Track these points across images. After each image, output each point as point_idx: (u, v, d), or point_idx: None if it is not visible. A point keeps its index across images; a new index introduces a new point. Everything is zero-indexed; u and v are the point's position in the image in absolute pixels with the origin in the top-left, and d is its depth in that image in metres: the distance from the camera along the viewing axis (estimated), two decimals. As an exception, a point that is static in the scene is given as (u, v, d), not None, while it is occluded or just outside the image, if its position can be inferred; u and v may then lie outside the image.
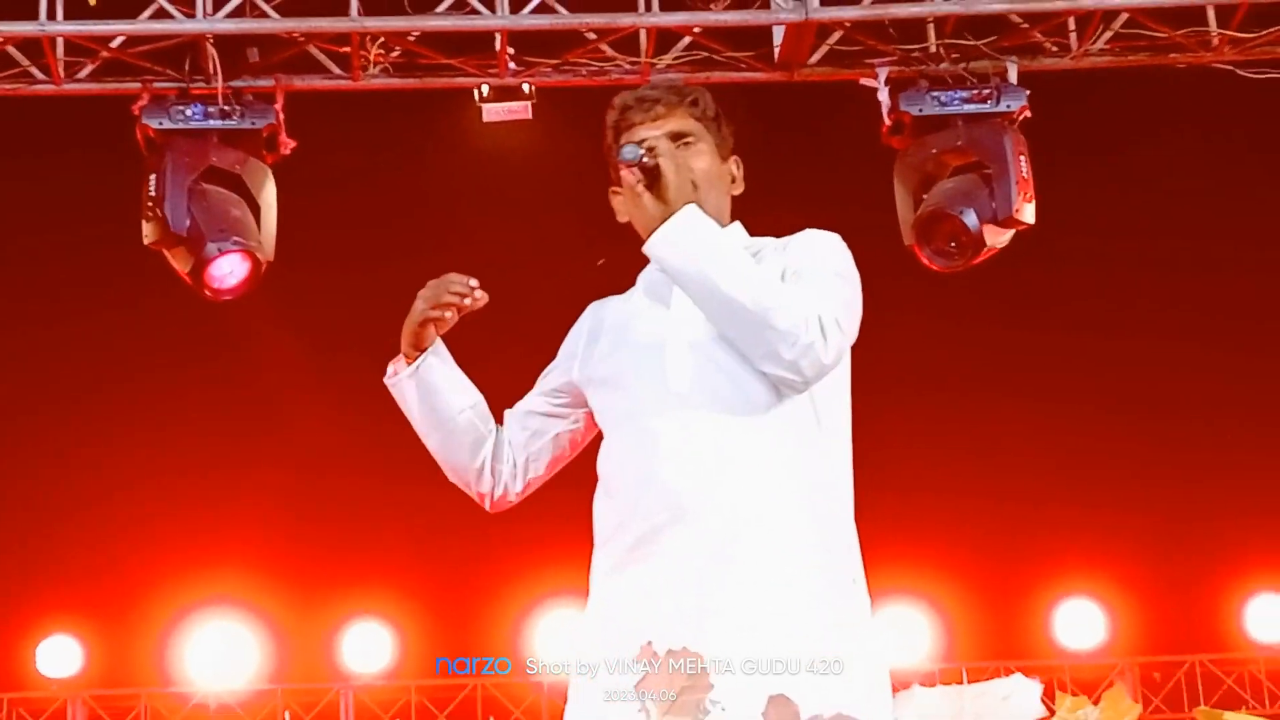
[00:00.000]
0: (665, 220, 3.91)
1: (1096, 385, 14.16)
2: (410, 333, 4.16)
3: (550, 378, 4.40)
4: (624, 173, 4.04)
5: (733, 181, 4.28)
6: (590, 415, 4.31)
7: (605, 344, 4.24)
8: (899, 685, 3.59)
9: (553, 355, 4.46)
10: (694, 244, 3.91)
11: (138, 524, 14.41)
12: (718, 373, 4.01)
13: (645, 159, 3.93)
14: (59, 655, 16.26)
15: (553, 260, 10.98)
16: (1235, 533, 15.03)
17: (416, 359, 4.19)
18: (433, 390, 4.20)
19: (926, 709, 2.41)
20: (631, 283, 4.36)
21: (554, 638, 15.57)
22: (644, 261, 4.21)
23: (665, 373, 4.07)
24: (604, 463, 4.19)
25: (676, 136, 4.12)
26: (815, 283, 3.99)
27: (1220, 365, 13.91)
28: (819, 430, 4.09)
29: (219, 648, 16.18)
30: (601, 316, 4.33)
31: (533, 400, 4.40)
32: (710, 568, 3.89)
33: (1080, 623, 16.47)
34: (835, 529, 4.07)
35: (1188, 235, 13.28)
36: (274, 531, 14.64)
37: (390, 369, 4.26)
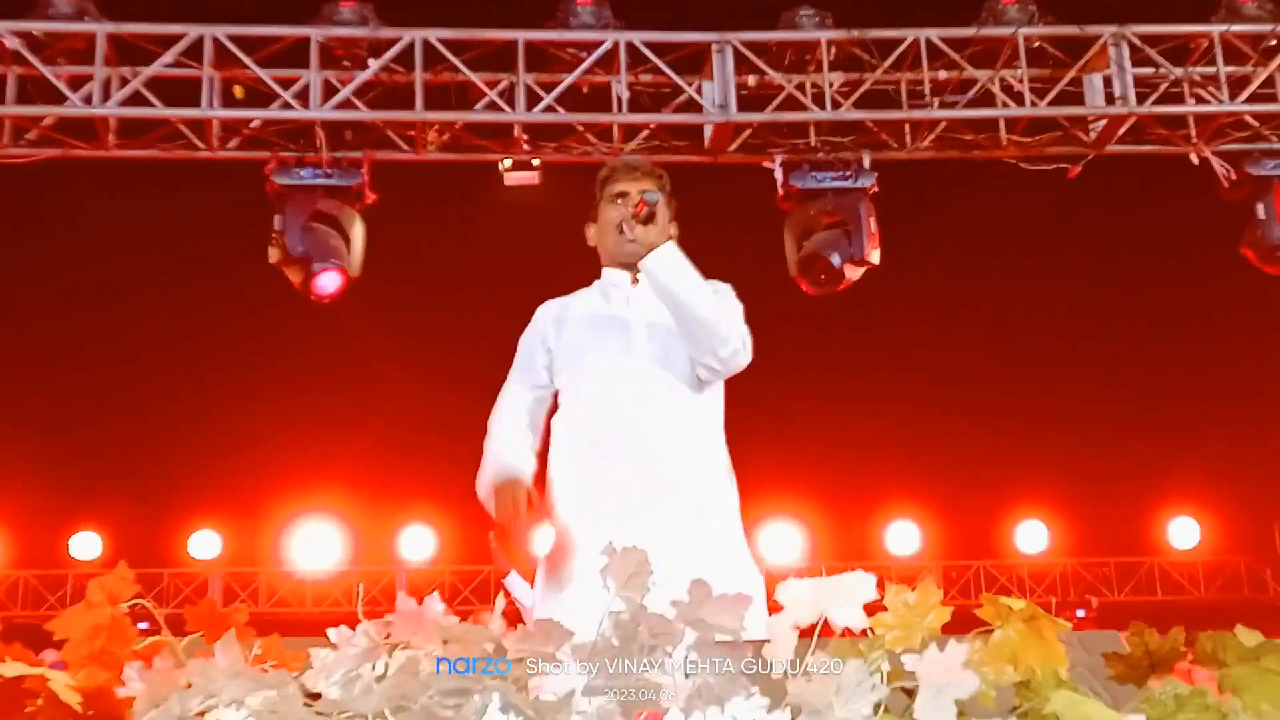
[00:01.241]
0: (653, 249, 3.95)
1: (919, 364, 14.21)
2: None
3: (532, 373, 4.30)
4: (620, 208, 4.10)
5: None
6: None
7: (575, 325, 4.23)
8: (779, 578, 3.63)
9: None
10: (678, 267, 3.96)
11: (263, 454, 14.43)
12: (657, 356, 4.07)
13: (650, 202, 3.98)
14: (203, 543, 16.26)
15: (552, 276, 11.00)
16: (1009, 468, 15.15)
17: None
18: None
19: (797, 593, 2.41)
20: (571, 289, 4.37)
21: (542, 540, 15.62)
22: (595, 273, 4.30)
23: (625, 349, 4.11)
24: (571, 405, 4.18)
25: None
26: (735, 313, 4.05)
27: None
28: (715, 401, 4.15)
29: (314, 539, 16.19)
30: (564, 309, 4.31)
31: (527, 400, 4.29)
32: (647, 488, 3.93)
33: (905, 536, 16.58)
34: (724, 464, 4.14)
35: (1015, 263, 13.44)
36: (354, 461, 14.65)
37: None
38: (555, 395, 4.29)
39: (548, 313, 4.34)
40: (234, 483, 15.23)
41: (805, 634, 2.08)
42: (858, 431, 14.24)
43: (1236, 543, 17.01)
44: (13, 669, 2.94)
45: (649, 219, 4.01)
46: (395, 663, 2.54)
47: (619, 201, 4.21)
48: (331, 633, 2.68)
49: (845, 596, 2.31)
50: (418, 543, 16.45)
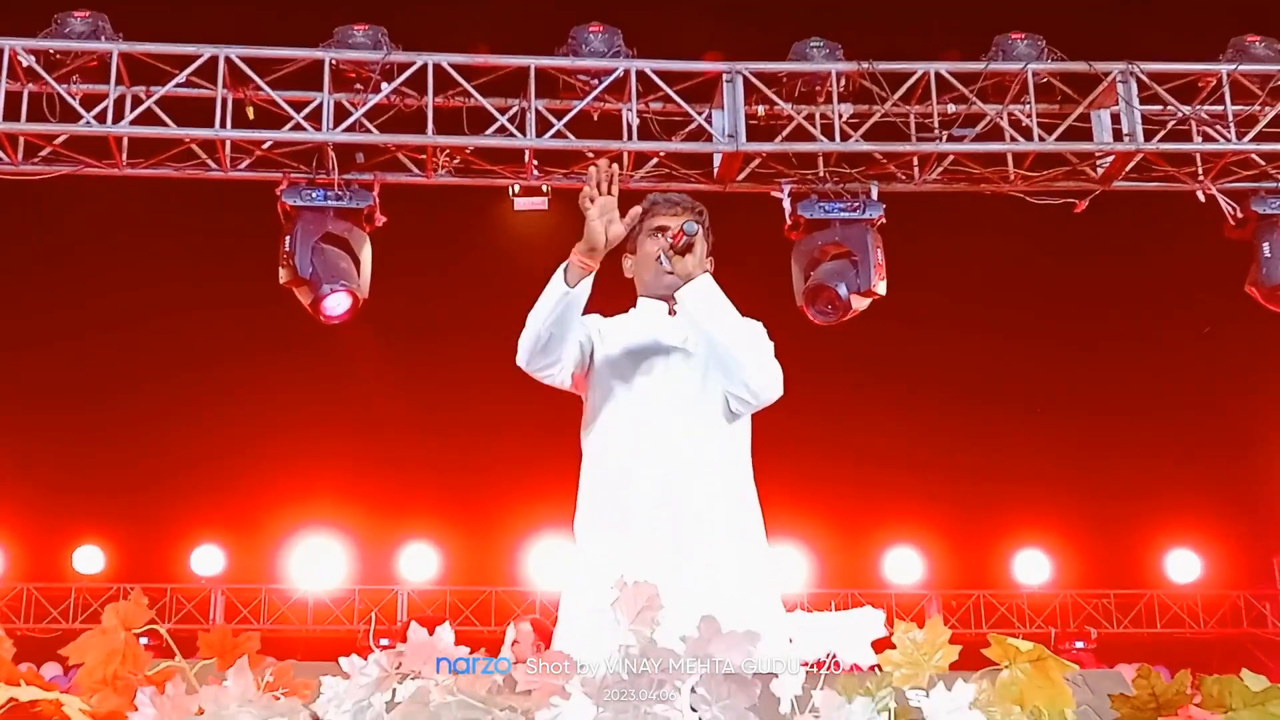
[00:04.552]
0: (690, 280, 4.02)
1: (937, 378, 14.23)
2: (592, 243, 3.86)
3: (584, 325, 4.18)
4: (658, 240, 4.15)
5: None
6: (583, 371, 4.24)
7: (612, 343, 4.23)
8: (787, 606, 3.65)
9: None
10: (715, 298, 4.01)
11: (267, 469, 14.44)
12: (693, 385, 4.10)
13: (689, 234, 4.01)
14: (206, 558, 16.27)
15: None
16: (1010, 497, 15.15)
17: (590, 271, 3.89)
18: (580, 300, 3.92)
19: (804, 627, 2.42)
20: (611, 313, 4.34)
21: (546, 561, 15.64)
22: (629, 301, 4.33)
23: (658, 375, 4.14)
24: (602, 425, 4.18)
25: None
26: (768, 348, 4.09)
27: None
28: (744, 433, 4.18)
29: (317, 556, 16.20)
30: (603, 324, 4.29)
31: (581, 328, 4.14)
32: (672, 514, 3.95)
33: (906, 564, 16.58)
34: (752, 495, 4.16)
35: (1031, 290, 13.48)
36: (357, 478, 14.68)
37: (568, 274, 3.87)
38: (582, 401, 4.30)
39: (589, 319, 4.34)
40: (237, 498, 15.24)
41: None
42: (862, 457, 14.25)
43: (1237, 577, 16.98)
44: (28, 694, 2.96)
45: (686, 250, 4.05)
46: (405, 691, 2.56)
47: (658, 234, 4.24)
48: (343, 662, 2.70)
49: (854, 633, 2.33)
50: (420, 562, 16.43)
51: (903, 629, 3.32)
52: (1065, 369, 14.50)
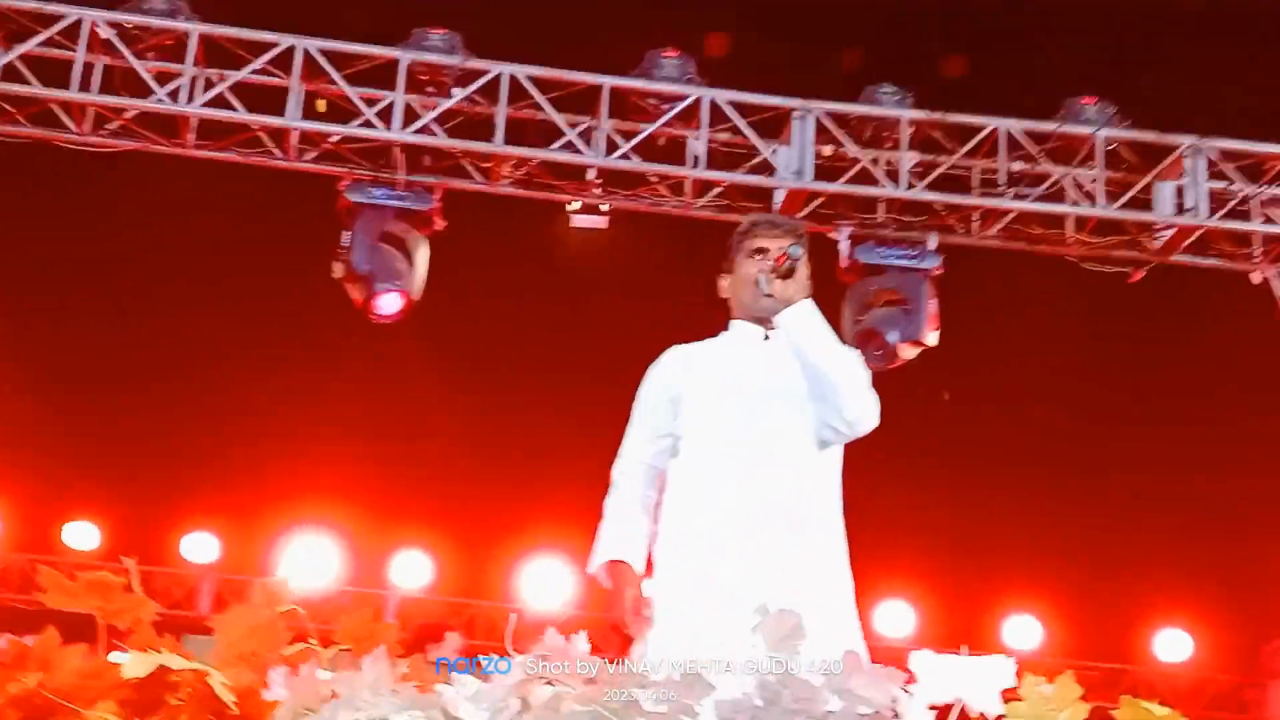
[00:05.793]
0: (790, 304, 3.98)
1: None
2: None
3: (657, 422, 4.19)
4: (758, 262, 4.11)
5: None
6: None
7: (704, 374, 4.19)
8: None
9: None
10: (813, 324, 3.98)
11: (266, 463, 14.33)
12: (789, 413, 4.07)
13: (793, 258, 3.98)
14: (198, 545, 16.14)
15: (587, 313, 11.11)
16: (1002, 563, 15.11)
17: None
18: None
19: (933, 668, 2.43)
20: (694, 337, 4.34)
21: (539, 581, 15.55)
22: (720, 324, 4.30)
23: (752, 403, 4.11)
24: (692, 454, 4.12)
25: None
26: (865, 378, 4.07)
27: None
28: (836, 463, 4.16)
29: (309, 554, 16.08)
30: (690, 357, 4.26)
31: (649, 453, 4.18)
32: (761, 543, 3.93)
33: (899, 618, 16.49)
34: (839, 527, 4.15)
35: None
36: (357, 477, 14.58)
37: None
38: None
39: (674, 360, 4.31)
40: (237, 488, 15.12)
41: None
42: (861, 516, 14.19)
43: (1225, 660, 17.00)
44: (177, 662, 2.94)
45: (788, 275, 4.02)
46: (538, 697, 2.55)
47: (757, 256, 4.21)
48: (484, 660, 2.68)
49: (983, 681, 2.32)
50: (413, 569, 16.32)
51: (1032, 682, 3.32)
52: (1068, 438, 14.51)
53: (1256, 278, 10.21)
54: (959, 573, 15.42)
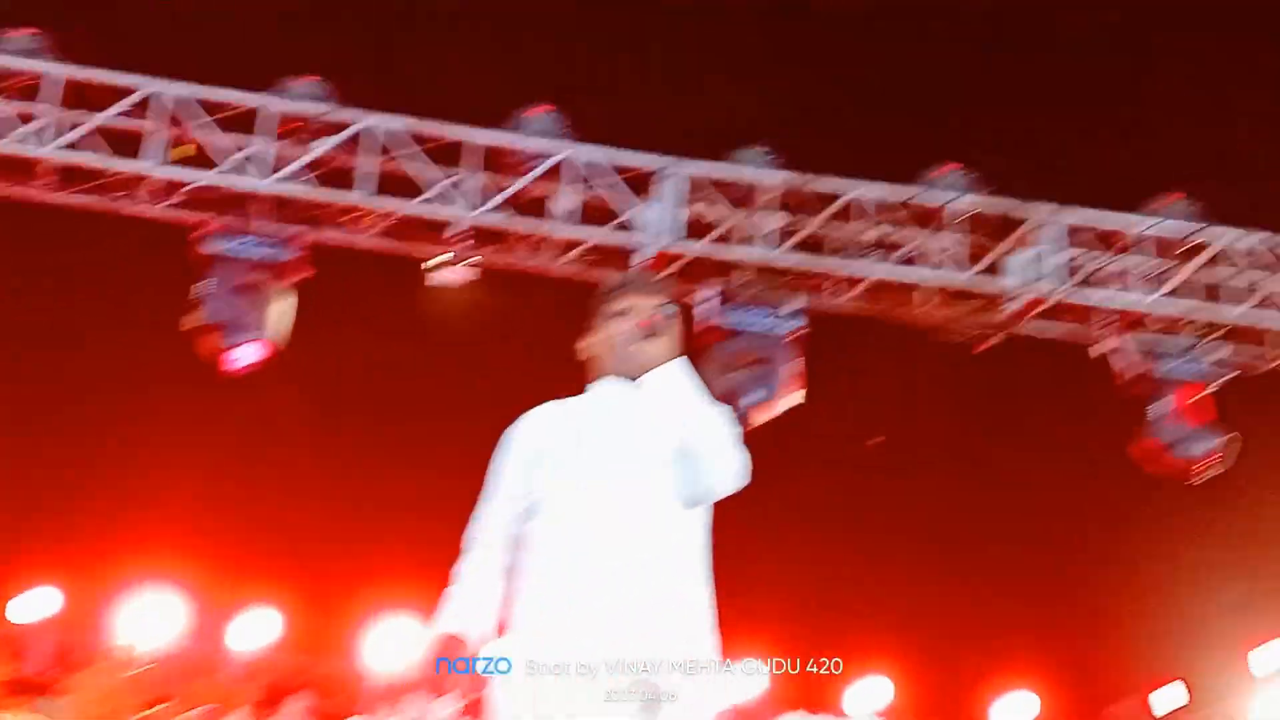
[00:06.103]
0: (658, 364, 3.96)
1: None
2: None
3: (515, 486, 4.09)
4: (625, 322, 4.09)
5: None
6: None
7: (564, 434, 4.10)
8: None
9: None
10: (683, 387, 3.95)
11: (110, 514, 14.04)
12: (654, 482, 4.05)
13: (665, 317, 3.96)
14: (36, 602, 15.76)
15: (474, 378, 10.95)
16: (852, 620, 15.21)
17: None
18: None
19: None
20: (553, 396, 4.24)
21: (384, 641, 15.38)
22: (579, 385, 4.23)
23: (613, 462, 4.09)
24: (551, 514, 4.00)
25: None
26: (733, 436, 4.06)
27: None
28: (702, 520, 4.13)
29: (151, 611, 15.76)
30: (550, 417, 4.18)
31: (506, 516, 4.08)
32: (618, 601, 3.89)
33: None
34: (704, 587, 4.09)
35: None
36: (198, 535, 14.31)
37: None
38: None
39: (533, 423, 4.25)
40: (76, 539, 14.76)
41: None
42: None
43: (1069, 722, 17.25)
44: None
45: (654, 335, 4.01)
46: None
47: (622, 318, 4.18)
48: None
49: None
50: (259, 625, 16.03)
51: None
52: (934, 504, 14.68)
53: (1095, 350, 10.41)
54: (813, 635, 15.48)
